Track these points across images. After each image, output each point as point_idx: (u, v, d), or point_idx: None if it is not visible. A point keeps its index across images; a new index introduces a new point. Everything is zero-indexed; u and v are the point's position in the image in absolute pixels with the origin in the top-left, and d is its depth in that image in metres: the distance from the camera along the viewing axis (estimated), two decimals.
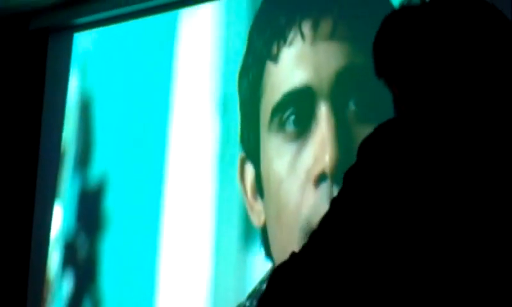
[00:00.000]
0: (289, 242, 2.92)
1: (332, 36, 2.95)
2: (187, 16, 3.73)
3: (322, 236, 1.26)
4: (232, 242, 3.25)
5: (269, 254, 3.08)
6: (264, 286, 2.97)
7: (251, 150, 3.19)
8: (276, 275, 1.28)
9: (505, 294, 1.18)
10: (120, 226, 3.80)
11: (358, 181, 1.25)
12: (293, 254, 1.29)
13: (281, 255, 2.87)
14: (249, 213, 3.17)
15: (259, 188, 3.12)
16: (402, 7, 1.40)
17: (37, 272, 4.21)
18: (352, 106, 2.87)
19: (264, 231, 3.10)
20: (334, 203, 1.28)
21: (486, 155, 1.22)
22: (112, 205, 3.88)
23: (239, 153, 3.27)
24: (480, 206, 1.19)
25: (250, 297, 3.12)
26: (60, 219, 4.17)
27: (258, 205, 3.11)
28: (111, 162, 3.95)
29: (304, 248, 1.27)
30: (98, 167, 4.02)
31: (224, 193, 3.33)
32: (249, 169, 3.19)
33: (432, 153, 1.22)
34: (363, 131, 2.75)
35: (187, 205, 3.50)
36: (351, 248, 1.22)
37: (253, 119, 3.20)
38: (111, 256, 3.83)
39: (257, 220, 3.12)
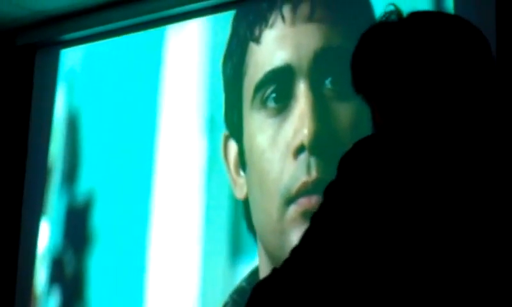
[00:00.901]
0: (270, 208, 3.15)
1: (311, 18, 3.20)
2: (174, 32, 3.84)
3: (303, 253, 1.27)
4: (220, 255, 3.36)
5: (250, 226, 3.27)
6: (245, 284, 3.11)
7: (235, 128, 3.40)
8: (257, 291, 1.30)
9: (502, 294, 1.21)
10: (107, 242, 3.87)
11: (338, 196, 1.27)
12: (274, 270, 1.30)
13: (262, 221, 3.11)
14: (233, 187, 3.37)
15: (242, 163, 3.33)
16: (380, 23, 1.43)
17: (24, 288, 4.25)
18: (328, 84, 3.13)
19: (246, 203, 3.30)
20: (314, 218, 1.30)
21: (463, 167, 1.25)
22: (100, 221, 3.95)
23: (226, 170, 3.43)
24: (458, 218, 1.22)
25: (233, 294, 3.29)
26: (47, 235, 4.23)
27: (241, 179, 3.32)
28: (98, 178, 4.02)
29: (286, 264, 1.29)
30: (85, 183, 4.08)
31: (212, 210, 3.45)
32: (232, 146, 3.40)
33: (410, 168, 1.24)
34: (339, 107, 3.06)
35: (175, 221, 3.60)
36: (332, 264, 1.24)
37: (236, 98, 3.41)
38: (98, 272, 3.89)
39: (240, 193, 3.33)
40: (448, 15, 1.47)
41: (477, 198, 1.24)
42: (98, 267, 3.89)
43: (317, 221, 1.29)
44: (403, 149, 1.27)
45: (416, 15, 1.41)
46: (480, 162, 1.26)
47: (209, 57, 3.62)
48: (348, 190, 1.26)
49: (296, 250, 1.29)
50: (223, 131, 3.48)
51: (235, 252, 3.31)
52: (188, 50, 3.73)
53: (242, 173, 3.33)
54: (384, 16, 1.43)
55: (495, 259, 1.22)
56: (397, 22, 1.41)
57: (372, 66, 1.41)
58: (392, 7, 1.43)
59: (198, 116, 3.59)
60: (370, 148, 1.29)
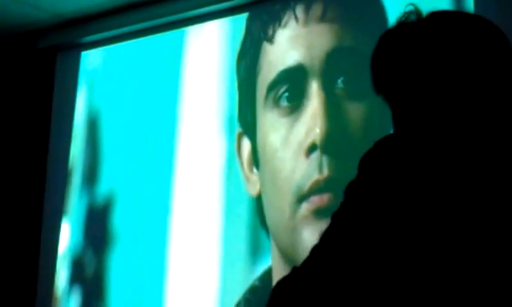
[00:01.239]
0: (282, 206, 3.22)
1: (323, 18, 3.27)
2: (193, 33, 3.90)
3: (323, 251, 1.27)
4: (240, 256, 3.42)
5: (263, 222, 3.34)
6: (258, 282, 3.16)
7: (248, 126, 3.47)
8: (278, 290, 1.29)
9: (505, 296, 1.20)
10: (128, 242, 3.93)
11: (359, 195, 1.27)
12: (294, 269, 1.30)
13: (275, 218, 3.19)
14: (246, 184, 3.44)
15: (255, 160, 3.40)
16: (399, 24, 1.43)
17: (45, 289, 4.32)
18: (340, 83, 3.19)
19: (259, 200, 3.37)
20: (335, 217, 1.30)
21: (485, 169, 1.25)
22: (120, 222, 4.01)
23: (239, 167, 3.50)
24: (481, 221, 1.22)
25: (246, 293, 3.36)
26: (68, 235, 4.29)
27: (254, 176, 3.40)
28: (118, 178, 4.08)
29: (306, 262, 1.28)
30: (105, 184, 4.15)
31: (231, 209, 3.51)
32: (246, 144, 3.47)
33: (432, 168, 1.24)
34: (351, 106, 3.14)
35: (195, 221, 3.65)
36: (353, 263, 1.24)
37: (250, 97, 3.48)
38: (118, 272, 3.95)
39: (253, 190, 3.41)
40: (468, 15, 1.46)
41: (498, 207, 1.24)
42: (119, 267, 3.95)
43: (337, 220, 1.29)
44: (424, 150, 1.27)
45: (436, 15, 1.41)
46: (504, 166, 1.26)
47: (228, 58, 3.67)
48: (369, 190, 1.27)
49: (316, 249, 1.29)
50: (237, 129, 3.54)
51: (255, 251, 3.36)
52: (207, 51, 3.79)
53: (255, 170, 3.40)
54: (403, 16, 1.44)
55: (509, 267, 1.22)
56: (417, 22, 1.41)
57: (392, 66, 1.41)
58: (411, 7, 1.44)
59: (217, 115, 3.65)
60: (392, 147, 1.29)
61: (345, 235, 1.25)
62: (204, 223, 3.60)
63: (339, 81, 3.18)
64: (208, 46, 3.79)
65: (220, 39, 3.74)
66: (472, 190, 1.23)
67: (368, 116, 3.09)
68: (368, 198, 1.26)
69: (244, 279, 3.37)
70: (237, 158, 3.51)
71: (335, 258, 1.25)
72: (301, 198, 3.13)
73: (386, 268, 1.23)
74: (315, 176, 3.10)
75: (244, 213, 3.42)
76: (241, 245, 3.40)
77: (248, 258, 3.38)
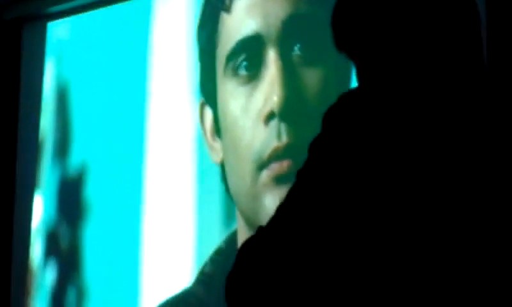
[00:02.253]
0: (243, 173, 3.34)
1: None
2: (162, 1, 3.95)
3: (288, 210, 1.30)
4: (214, 222, 3.54)
5: (228, 190, 3.47)
6: (223, 244, 3.28)
7: (209, 95, 3.58)
8: (244, 250, 1.33)
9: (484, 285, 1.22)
10: (102, 214, 4.00)
11: (323, 152, 1.30)
12: (260, 229, 1.33)
13: (237, 185, 3.34)
14: (209, 151, 3.57)
15: (217, 129, 3.52)
16: None
17: (20, 263, 4.35)
18: (297, 50, 3.30)
19: (223, 167, 3.49)
20: (300, 174, 1.32)
21: (447, 123, 1.28)
22: (93, 193, 4.06)
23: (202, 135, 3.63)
24: (441, 176, 1.25)
25: (212, 254, 3.49)
26: (41, 209, 4.33)
27: (217, 144, 3.52)
28: (90, 150, 4.12)
29: (271, 222, 1.32)
30: (77, 156, 4.22)
31: (205, 177, 3.60)
32: (208, 113, 3.58)
33: (395, 122, 1.27)
34: (308, 73, 3.26)
35: (168, 190, 3.71)
36: (318, 221, 1.26)
37: (210, 66, 3.57)
38: (93, 244, 4.01)
39: (216, 158, 3.53)
40: None
41: (462, 157, 1.26)
42: (94, 239, 4.01)
43: (301, 178, 1.31)
44: (387, 104, 1.29)
45: None
46: (462, 116, 1.29)
47: (195, 26, 3.75)
48: (333, 145, 1.29)
49: (280, 208, 1.32)
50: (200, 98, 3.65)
51: (229, 217, 3.48)
52: (175, 19, 3.87)
53: (217, 138, 3.51)
54: None
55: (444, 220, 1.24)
56: None
57: (352, 21, 1.42)
58: None
59: (187, 84, 3.74)
60: (355, 102, 1.32)
61: (309, 194, 1.28)
62: (178, 192, 3.66)
63: (296, 48, 3.29)
64: (176, 14, 3.87)
65: (187, 8, 3.81)
66: (435, 141, 1.26)
67: (326, 81, 3.21)
68: (332, 155, 1.28)
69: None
70: (200, 127, 3.61)
71: (299, 216, 1.27)
72: (261, 166, 3.24)
73: (350, 224, 1.26)
74: (274, 144, 3.21)
75: (217, 180, 3.53)
76: (215, 211, 3.52)
77: (223, 223, 3.50)
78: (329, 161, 1.28)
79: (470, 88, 1.33)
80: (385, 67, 1.38)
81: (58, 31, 4.51)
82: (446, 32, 1.36)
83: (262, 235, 1.31)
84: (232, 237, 3.42)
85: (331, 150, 1.29)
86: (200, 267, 3.52)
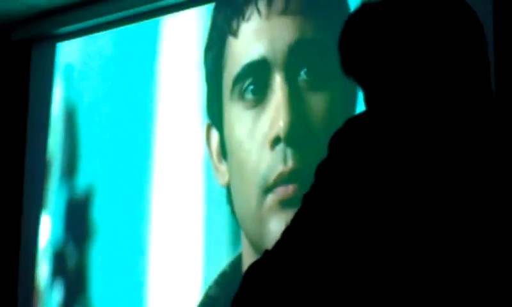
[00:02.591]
0: (249, 197, 3.38)
1: (285, 11, 3.42)
2: (170, 22, 4.01)
3: (295, 234, 1.29)
4: (221, 244, 3.55)
5: (233, 212, 3.51)
6: (228, 268, 3.30)
7: (216, 118, 3.63)
8: (250, 274, 1.31)
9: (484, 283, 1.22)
10: (108, 234, 4.05)
11: (330, 176, 1.29)
12: (266, 252, 1.32)
13: (242, 209, 3.38)
14: (215, 173, 3.61)
15: (223, 151, 3.56)
16: (365, 4, 1.45)
17: (26, 282, 4.44)
18: (303, 75, 3.34)
19: (229, 189, 3.54)
20: (306, 198, 1.31)
21: (457, 148, 1.27)
22: (100, 214, 4.12)
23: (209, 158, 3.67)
24: (456, 200, 1.24)
25: (217, 277, 3.53)
26: (48, 229, 4.41)
27: (223, 166, 3.56)
28: (97, 170, 4.19)
29: (278, 245, 1.31)
30: (84, 176, 4.27)
31: (212, 200, 3.64)
32: (214, 135, 3.63)
33: (402, 148, 1.26)
34: (314, 97, 3.30)
35: (175, 212, 3.76)
36: (323, 245, 1.26)
37: (217, 89, 3.63)
38: (100, 264, 4.06)
39: (222, 180, 3.57)
40: None
41: (475, 184, 1.26)
42: (100, 260, 4.07)
43: (308, 201, 1.30)
44: (395, 129, 1.29)
45: None
46: (474, 146, 1.28)
47: (203, 47, 3.79)
48: (339, 169, 1.28)
49: (287, 231, 1.31)
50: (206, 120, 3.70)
51: (236, 239, 3.50)
52: (183, 41, 3.91)
53: (223, 160, 3.56)
54: None
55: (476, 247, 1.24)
56: (383, 2, 1.43)
57: (360, 46, 1.43)
58: None
59: (195, 106, 3.77)
60: (362, 126, 1.31)
61: (316, 217, 1.27)
62: (185, 213, 3.71)
63: (302, 73, 3.33)
64: (184, 35, 3.91)
65: (196, 28, 3.85)
66: (445, 169, 1.26)
67: (332, 106, 3.25)
68: (338, 179, 1.28)
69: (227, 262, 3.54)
70: (206, 149, 3.65)
71: (306, 240, 1.27)
72: (267, 190, 3.29)
73: (356, 249, 1.25)
74: (280, 168, 3.26)
75: (224, 202, 3.56)
76: (222, 234, 3.55)
77: (230, 245, 3.52)
78: (336, 186, 1.28)
79: (478, 115, 1.32)
80: (393, 93, 1.38)
81: (67, 51, 4.56)
82: (454, 58, 1.36)
83: (268, 259, 1.30)
84: (237, 261, 3.46)
85: (337, 175, 1.28)
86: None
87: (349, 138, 1.30)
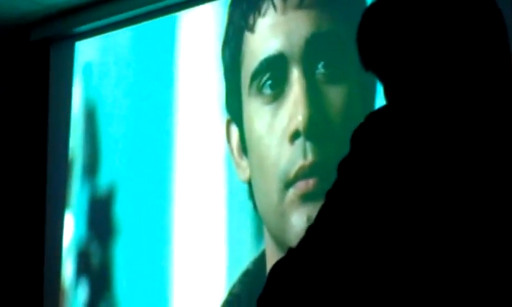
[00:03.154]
0: (270, 192, 3.41)
1: (300, 5, 3.44)
2: (188, 17, 4.04)
3: (319, 231, 1.29)
4: (245, 241, 3.58)
5: (256, 207, 3.54)
6: (252, 266, 3.31)
7: (235, 113, 3.66)
8: (274, 272, 1.31)
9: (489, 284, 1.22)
10: (132, 231, 4.09)
11: (353, 173, 1.29)
12: (290, 250, 1.32)
13: (264, 204, 3.40)
14: (236, 169, 3.64)
15: (243, 147, 3.59)
16: None
17: (52, 281, 4.51)
18: (321, 68, 3.36)
19: (250, 185, 3.57)
20: (329, 195, 1.31)
21: (479, 145, 1.26)
22: (123, 211, 4.17)
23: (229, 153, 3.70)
24: (476, 200, 1.23)
25: (241, 276, 3.57)
26: (72, 227, 4.47)
27: (244, 162, 3.60)
28: (119, 168, 4.25)
29: (302, 243, 1.30)
30: (106, 174, 4.32)
31: (235, 196, 3.67)
32: (234, 131, 3.66)
33: (425, 142, 1.26)
34: (331, 90, 3.32)
35: (197, 208, 3.80)
36: (348, 242, 1.25)
37: (235, 84, 3.66)
38: (124, 262, 4.12)
39: (243, 176, 3.61)
40: None
41: (492, 185, 1.25)
42: (124, 257, 4.12)
43: (331, 199, 1.30)
44: (417, 123, 1.28)
45: None
46: (496, 139, 1.28)
47: (221, 42, 3.83)
48: (362, 166, 1.28)
49: (311, 229, 1.31)
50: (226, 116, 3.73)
51: (259, 235, 3.53)
52: (201, 35, 3.94)
53: (244, 156, 3.59)
54: None
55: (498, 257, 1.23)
56: None
57: (378, 39, 1.42)
58: None
59: (215, 101, 3.81)
60: (384, 121, 1.31)
61: (340, 214, 1.27)
62: (208, 209, 3.75)
63: (319, 66, 3.36)
64: (202, 30, 3.94)
65: (213, 23, 3.88)
66: (467, 164, 1.25)
67: (350, 99, 3.27)
68: (361, 174, 1.27)
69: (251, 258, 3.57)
70: (226, 145, 3.69)
71: (330, 237, 1.26)
72: (288, 184, 3.32)
73: (381, 247, 1.25)
74: (300, 162, 3.28)
75: (246, 198, 3.59)
76: (246, 230, 3.59)
77: (253, 242, 3.56)
78: (359, 182, 1.28)
79: (500, 109, 1.32)
80: (413, 84, 1.37)
81: (85, 50, 4.60)
82: (475, 51, 1.35)
83: (293, 257, 1.30)
84: (260, 258, 3.49)
85: (360, 171, 1.28)
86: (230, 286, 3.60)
87: (371, 134, 1.30)
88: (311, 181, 3.23)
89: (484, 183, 1.24)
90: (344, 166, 1.31)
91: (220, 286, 3.64)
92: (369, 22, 1.46)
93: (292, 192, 3.29)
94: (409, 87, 1.38)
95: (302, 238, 1.31)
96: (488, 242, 1.23)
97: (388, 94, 1.44)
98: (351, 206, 1.27)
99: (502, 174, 1.25)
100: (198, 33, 3.95)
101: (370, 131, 1.31)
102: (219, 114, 3.76)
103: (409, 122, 1.29)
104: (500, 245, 1.23)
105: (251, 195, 3.55)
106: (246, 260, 3.55)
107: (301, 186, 3.26)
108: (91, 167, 4.41)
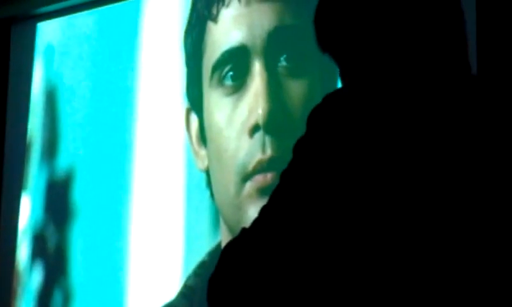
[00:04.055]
0: (227, 184, 3.44)
1: None
2: (152, 2, 4.03)
3: (272, 211, 1.32)
4: (203, 229, 3.61)
5: (212, 194, 3.56)
6: (207, 258, 3.34)
7: (195, 102, 3.67)
8: (226, 252, 1.34)
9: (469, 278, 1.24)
10: (89, 216, 4.07)
11: (308, 153, 1.31)
12: (243, 230, 1.34)
13: (221, 195, 3.42)
14: (195, 158, 3.66)
15: (202, 136, 3.61)
16: None
17: (6, 264, 4.44)
18: (283, 61, 3.38)
19: (208, 174, 3.59)
20: (284, 175, 1.33)
21: (432, 120, 1.29)
22: (81, 196, 4.14)
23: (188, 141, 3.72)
24: (431, 178, 1.26)
25: (195, 268, 3.59)
26: (28, 210, 4.40)
27: (202, 151, 3.61)
28: (78, 152, 4.23)
29: (255, 223, 1.33)
30: (65, 157, 4.30)
31: (194, 180, 3.69)
32: (194, 119, 3.67)
33: (380, 122, 1.28)
34: (293, 84, 3.34)
35: (156, 193, 3.80)
36: (300, 222, 1.27)
37: (196, 73, 3.66)
38: (80, 246, 4.08)
39: (201, 164, 3.62)
40: None
41: (452, 158, 1.27)
42: (81, 241, 4.06)
43: (286, 179, 1.33)
44: (372, 104, 1.30)
45: None
46: (450, 119, 1.30)
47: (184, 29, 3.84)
48: (317, 145, 1.30)
49: (264, 209, 1.34)
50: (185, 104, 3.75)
51: (217, 226, 3.56)
52: (165, 21, 3.94)
53: (203, 145, 3.61)
54: None
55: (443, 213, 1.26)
56: None
57: (334, 20, 1.45)
58: None
59: (178, 88, 3.81)
60: (340, 102, 1.33)
61: (294, 194, 1.29)
62: (166, 195, 3.74)
63: (281, 59, 3.38)
64: (166, 16, 3.94)
65: (178, 9, 3.88)
66: (422, 142, 1.27)
67: (311, 93, 3.30)
68: (316, 154, 1.30)
69: (209, 244, 3.60)
70: (185, 133, 3.70)
71: (283, 217, 1.29)
72: (246, 177, 3.34)
73: (334, 225, 1.27)
74: (259, 156, 3.31)
75: (204, 187, 3.62)
76: (204, 220, 3.61)
77: (211, 234, 3.59)
78: (314, 162, 1.29)
79: (454, 86, 1.35)
80: (369, 66, 1.41)
81: (47, 31, 4.58)
82: (429, 32, 1.38)
83: (245, 237, 1.33)
84: (216, 250, 3.50)
85: (315, 151, 1.30)
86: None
87: (327, 114, 1.32)
88: (269, 176, 3.25)
89: (436, 165, 1.27)
90: (299, 147, 1.34)
91: (176, 277, 3.66)
92: (326, 3, 1.48)
93: (249, 186, 3.32)
94: (365, 69, 1.41)
95: (255, 218, 1.35)
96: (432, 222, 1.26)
97: (343, 77, 1.47)
98: (305, 186, 1.29)
99: (454, 156, 1.28)
100: (162, 18, 3.93)
101: (326, 112, 1.33)
102: (180, 102, 3.77)
103: (364, 103, 1.31)
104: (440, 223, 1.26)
105: (209, 184, 3.57)
106: (203, 251, 3.57)
107: (259, 179, 3.29)
108: (50, 149, 4.38)
